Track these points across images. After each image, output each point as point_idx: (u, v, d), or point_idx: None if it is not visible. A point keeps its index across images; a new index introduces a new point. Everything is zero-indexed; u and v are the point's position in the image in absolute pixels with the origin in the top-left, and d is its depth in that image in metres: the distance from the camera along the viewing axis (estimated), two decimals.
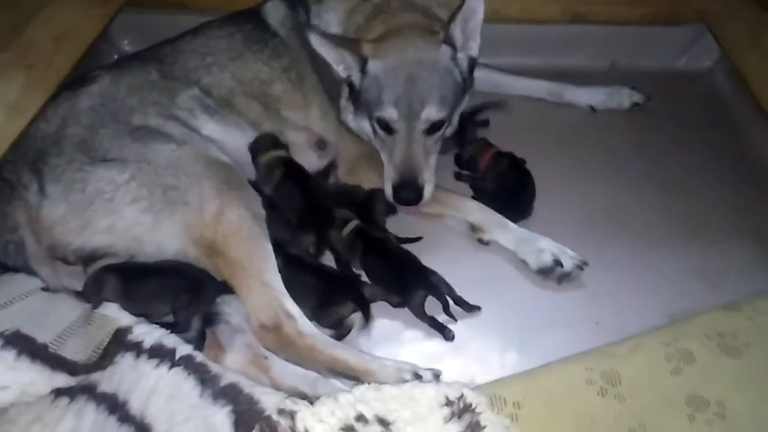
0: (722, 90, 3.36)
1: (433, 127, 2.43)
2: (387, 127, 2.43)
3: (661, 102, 3.23)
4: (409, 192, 2.42)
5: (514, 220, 2.52)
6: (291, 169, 2.57)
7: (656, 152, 2.98)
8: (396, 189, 2.43)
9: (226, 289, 2.15)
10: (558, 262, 2.36)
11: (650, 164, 2.91)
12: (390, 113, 2.38)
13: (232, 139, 2.60)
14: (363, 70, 2.43)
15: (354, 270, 2.38)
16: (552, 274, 2.37)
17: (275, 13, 2.78)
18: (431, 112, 2.38)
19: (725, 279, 2.39)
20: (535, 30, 3.44)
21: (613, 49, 3.49)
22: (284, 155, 2.61)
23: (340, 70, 2.51)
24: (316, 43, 2.46)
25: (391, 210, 2.56)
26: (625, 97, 3.21)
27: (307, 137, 2.73)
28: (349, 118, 2.63)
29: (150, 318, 2.05)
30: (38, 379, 1.82)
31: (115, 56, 3.37)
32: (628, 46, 3.49)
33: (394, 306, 2.25)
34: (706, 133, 3.09)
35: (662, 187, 2.79)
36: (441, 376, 1.97)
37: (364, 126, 2.57)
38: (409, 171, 2.41)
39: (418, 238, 2.48)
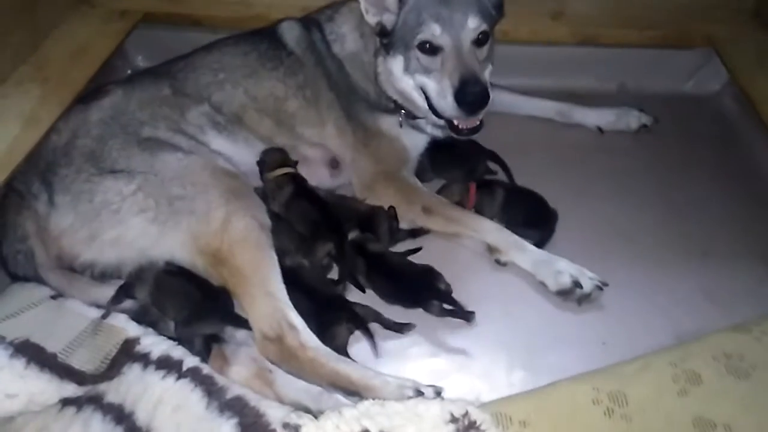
0: (730, 113, 3.37)
1: (479, 41, 2.41)
2: (431, 48, 2.40)
3: (668, 124, 3.24)
4: (475, 86, 2.31)
5: (548, 237, 2.56)
6: (300, 184, 2.57)
7: (664, 174, 2.99)
8: (459, 92, 2.31)
9: (239, 323, 2.13)
10: (577, 284, 2.33)
11: (658, 186, 2.91)
12: (433, 29, 2.37)
13: (241, 155, 2.62)
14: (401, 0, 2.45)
15: (362, 284, 2.37)
16: (571, 295, 2.34)
17: (291, 33, 2.81)
18: (475, 21, 2.37)
19: (734, 300, 2.37)
20: (545, 52, 3.47)
21: (621, 72, 3.52)
22: (292, 172, 2.61)
23: (371, 15, 2.50)
24: None
25: (396, 230, 2.53)
26: (633, 119, 3.22)
27: (322, 153, 2.75)
28: (382, 65, 2.60)
29: (162, 321, 2.09)
30: (46, 389, 1.84)
31: (129, 71, 3.42)
32: (637, 69, 3.51)
33: (386, 328, 2.21)
34: (713, 156, 3.10)
35: (670, 208, 2.79)
36: (443, 393, 1.94)
37: (395, 66, 2.52)
38: (468, 71, 2.33)
39: (418, 249, 2.46)
